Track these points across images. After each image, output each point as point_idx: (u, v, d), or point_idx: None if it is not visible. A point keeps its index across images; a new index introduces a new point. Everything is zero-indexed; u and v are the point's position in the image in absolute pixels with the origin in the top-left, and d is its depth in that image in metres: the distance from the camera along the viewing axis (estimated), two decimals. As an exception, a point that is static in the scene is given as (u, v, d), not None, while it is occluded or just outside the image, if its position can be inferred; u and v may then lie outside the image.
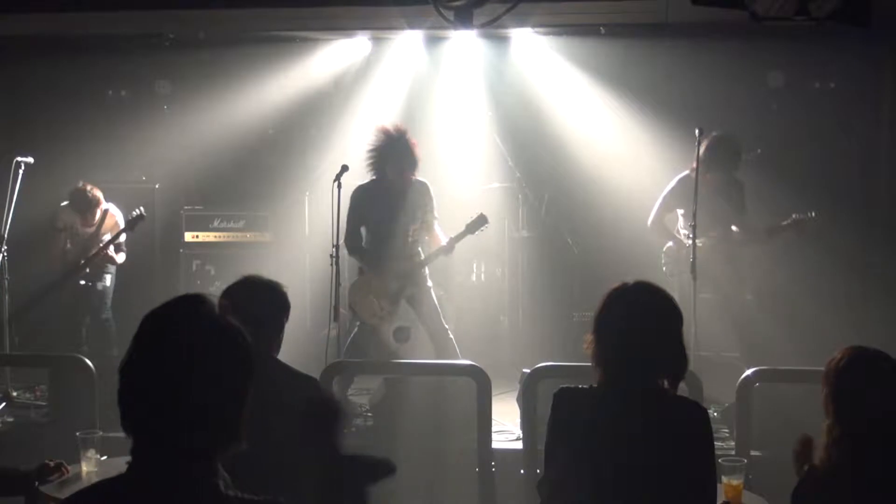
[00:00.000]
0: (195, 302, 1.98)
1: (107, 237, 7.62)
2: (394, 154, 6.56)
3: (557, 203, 8.47)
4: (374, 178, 6.74)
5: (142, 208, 7.65)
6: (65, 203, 7.71)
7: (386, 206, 6.63)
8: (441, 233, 6.84)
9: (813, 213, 6.77)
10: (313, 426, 3.34)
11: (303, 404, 3.36)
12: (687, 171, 6.49)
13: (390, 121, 6.99)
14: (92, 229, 7.66)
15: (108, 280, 7.69)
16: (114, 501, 1.90)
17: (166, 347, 1.90)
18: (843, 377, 2.78)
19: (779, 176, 7.44)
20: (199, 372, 1.88)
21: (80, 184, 7.70)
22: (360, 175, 7.72)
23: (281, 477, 3.23)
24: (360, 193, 6.67)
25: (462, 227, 6.78)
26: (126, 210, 7.70)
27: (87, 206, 7.62)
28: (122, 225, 7.67)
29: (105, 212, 7.72)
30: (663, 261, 6.90)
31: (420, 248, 6.80)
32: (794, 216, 6.80)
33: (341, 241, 6.62)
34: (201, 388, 1.88)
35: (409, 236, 6.70)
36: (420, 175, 6.74)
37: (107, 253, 7.59)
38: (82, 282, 7.56)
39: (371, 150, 6.65)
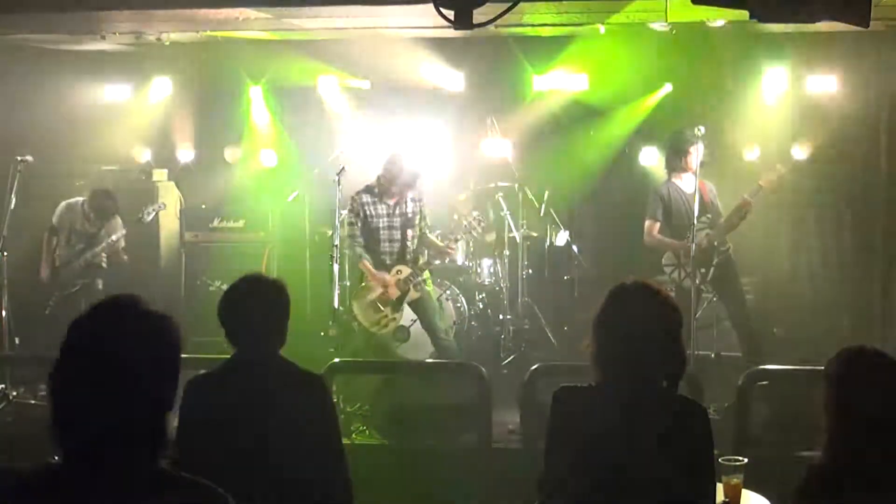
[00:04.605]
0: (120, 307, 1.97)
1: (106, 241, 7.63)
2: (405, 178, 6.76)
3: (557, 203, 8.47)
4: (369, 184, 6.91)
5: (151, 207, 7.77)
6: (68, 201, 7.72)
7: (386, 211, 6.85)
8: (436, 240, 7.14)
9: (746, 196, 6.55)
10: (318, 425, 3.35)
11: (307, 402, 3.37)
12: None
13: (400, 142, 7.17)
14: (94, 229, 7.67)
15: (100, 283, 7.70)
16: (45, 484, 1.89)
17: (92, 356, 1.89)
18: (843, 376, 2.78)
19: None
20: (125, 377, 1.88)
21: (103, 188, 7.75)
22: (357, 175, 7.74)
23: (284, 472, 3.23)
24: (362, 199, 6.82)
25: (461, 233, 7.30)
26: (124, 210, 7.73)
27: (107, 210, 7.63)
28: (122, 231, 7.68)
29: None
30: (664, 261, 6.88)
31: (420, 254, 7.00)
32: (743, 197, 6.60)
33: (341, 242, 6.67)
34: (130, 392, 1.88)
35: (408, 241, 6.86)
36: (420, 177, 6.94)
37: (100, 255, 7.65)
38: (75, 288, 7.55)
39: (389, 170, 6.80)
